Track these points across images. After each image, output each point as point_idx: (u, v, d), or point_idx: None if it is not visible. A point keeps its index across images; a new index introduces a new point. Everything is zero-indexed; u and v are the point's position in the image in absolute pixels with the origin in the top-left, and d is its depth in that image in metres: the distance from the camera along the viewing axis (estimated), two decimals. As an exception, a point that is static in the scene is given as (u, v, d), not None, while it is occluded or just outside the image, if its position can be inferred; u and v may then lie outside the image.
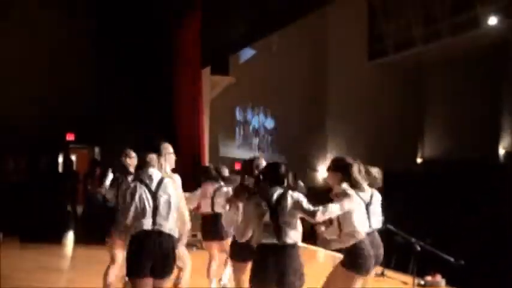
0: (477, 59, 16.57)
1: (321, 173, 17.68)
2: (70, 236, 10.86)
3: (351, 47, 18.87)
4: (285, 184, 3.87)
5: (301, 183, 4.58)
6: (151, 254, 3.98)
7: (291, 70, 18.56)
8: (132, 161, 5.87)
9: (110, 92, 12.54)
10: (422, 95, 18.91)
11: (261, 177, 3.98)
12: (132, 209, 4.05)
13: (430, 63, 18.30)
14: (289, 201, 3.76)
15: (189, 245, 8.78)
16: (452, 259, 5.73)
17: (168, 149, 4.88)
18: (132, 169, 5.65)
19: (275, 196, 3.78)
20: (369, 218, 4.36)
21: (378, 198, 4.54)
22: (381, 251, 4.52)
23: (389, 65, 18.88)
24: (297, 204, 3.76)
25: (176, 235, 4.22)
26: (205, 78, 12.78)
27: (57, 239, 10.24)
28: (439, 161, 17.86)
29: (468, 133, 16.91)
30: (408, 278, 6.69)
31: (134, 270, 4.02)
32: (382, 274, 7.11)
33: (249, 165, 4.86)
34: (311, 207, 3.76)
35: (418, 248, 5.39)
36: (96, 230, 6.63)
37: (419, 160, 19.63)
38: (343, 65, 18.57)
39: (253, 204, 3.82)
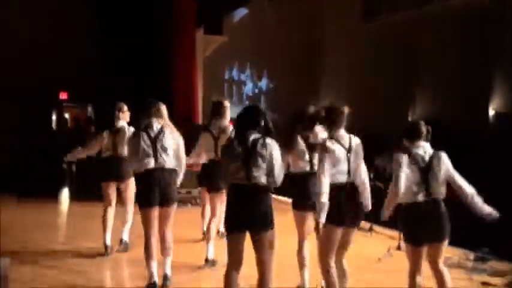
0: (469, 21, 16.57)
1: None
2: (66, 193, 11.04)
3: (345, 8, 18.77)
4: (261, 127, 3.96)
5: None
6: (157, 187, 4.79)
7: (284, 31, 18.50)
8: (125, 115, 6.14)
9: (103, 50, 12.53)
10: (414, 57, 18.95)
11: (237, 120, 4.06)
12: (137, 152, 4.85)
13: (423, 25, 18.28)
14: (264, 146, 3.87)
15: (184, 202, 9.09)
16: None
17: (162, 105, 5.08)
18: (124, 123, 6.17)
19: (250, 139, 3.90)
20: (349, 169, 4.22)
21: (358, 149, 4.32)
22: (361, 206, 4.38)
23: (382, 26, 18.83)
24: (270, 152, 3.88)
25: (177, 170, 4.98)
26: (199, 37, 12.78)
27: (54, 196, 10.43)
28: (429, 123, 18.03)
29: (459, 95, 17.07)
30: (395, 233, 6.94)
31: (144, 201, 4.86)
32: (370, 229, 7.34)
33: None
34: (279, 159, 3.94)
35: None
36: (91, 187, 6.77)
37: (410, 119, 19.80)
38: (337, 26, 18.50)
39: (228, 146, 4.00)
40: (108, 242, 6.11)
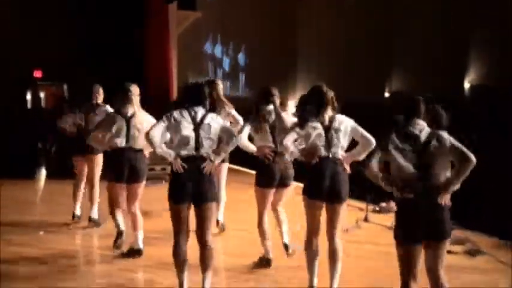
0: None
1: (291, 108, 17.90)
2: (41, 172, 11.04)
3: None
4: (206, 104, 4.21)
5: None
6: (125, 164, 5.16)
7: (259, 4, 18.39)
8: (100, 96, 6.41)
9: (76, 28, 12.42)
10: (391, 27, 18.99)
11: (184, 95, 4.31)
12: (109, 132, 5.25)
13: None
14: (212, 122, 4.16)
15: (158, 179, 9.18)
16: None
17: (135, 90, 5.36)
18: (99, 102, 6.59)
19: (199, 116, 4.14)
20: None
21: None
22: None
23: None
24: (221, 127, 4.20)
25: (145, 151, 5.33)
26: (172, 13, 12.68)
27: (29, 175, 10.44)
28: (405, 95, 18.15)
29: (433, 67, 17.20)
30: (364, 205, 7.13)
31: (113, 177, 5.26)
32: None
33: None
34: (232, 132, 4.26)
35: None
36: (65, 166, 6.91)
37: (387, 94, 19.98)
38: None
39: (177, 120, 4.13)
40: (77, 212, 6.60)
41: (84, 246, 6.08)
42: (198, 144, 4.10)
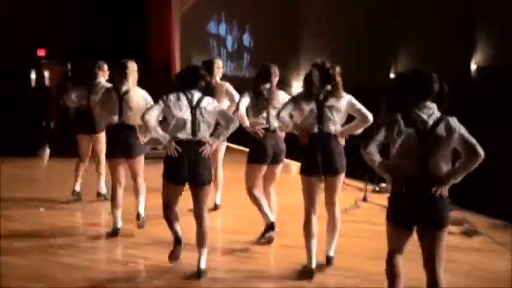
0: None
1: (296, 88, 17.80)
2: (44, 150, 11.11)
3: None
4: (201, 87, 4.22)
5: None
6: (119, 140, 5.24)
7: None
8: (104, 73, 6.45)
9: (79, 7, 12.40)
10: (394, 11, 18.76)
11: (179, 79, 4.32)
12: (105, 108, 5.32)
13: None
14: (208, 105, 4.19)
15: (152, 158, 9.19)
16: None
17: (132, 67, 5.35)
18: (102, 80, 6.65)
19: (195, 99, 4.16)
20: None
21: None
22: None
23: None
24: (218, 111, 4.23)
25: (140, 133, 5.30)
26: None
27: (33, 153, 10.51)
28: (415, 71, 17.98)
29: (440, 48, 17.00)
30: (363, 186, 7.13)
31: (107, 152, 5.39)
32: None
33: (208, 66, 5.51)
34: (230, 116, 4.32)
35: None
36: (68, 144, 6.98)
37: (392, 75, 19.85)
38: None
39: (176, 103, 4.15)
40: (77, 188, 6.75)
41: (82, 223, 6.14)
42: (195, 127, 4.13)
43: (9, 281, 4.16)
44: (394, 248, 3.30)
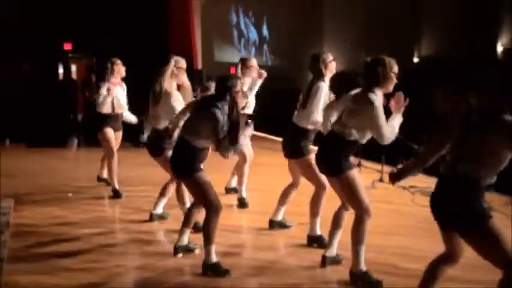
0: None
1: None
2: (72, 141, 11.46)
3: None
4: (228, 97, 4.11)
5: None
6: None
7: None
8: (118, 68, 6.49)
9: (106, 2, 12.65)
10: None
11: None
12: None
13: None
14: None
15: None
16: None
17: (179, 63, 5.15)
18: (118, 76, 6.56)
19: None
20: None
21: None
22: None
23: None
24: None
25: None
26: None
27: (60, 144, 10.88)
28: (436, 60, 17.87)
29: (466, 30, 16.81)
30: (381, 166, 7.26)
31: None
32: (359, 165, 7.64)
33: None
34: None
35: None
36: (94, 135, 7.21)
37: (416, 60, 19.69)
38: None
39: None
40: (104, 176, 7.09)
41: (105, 211, 6.23)
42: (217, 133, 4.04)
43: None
44: None
